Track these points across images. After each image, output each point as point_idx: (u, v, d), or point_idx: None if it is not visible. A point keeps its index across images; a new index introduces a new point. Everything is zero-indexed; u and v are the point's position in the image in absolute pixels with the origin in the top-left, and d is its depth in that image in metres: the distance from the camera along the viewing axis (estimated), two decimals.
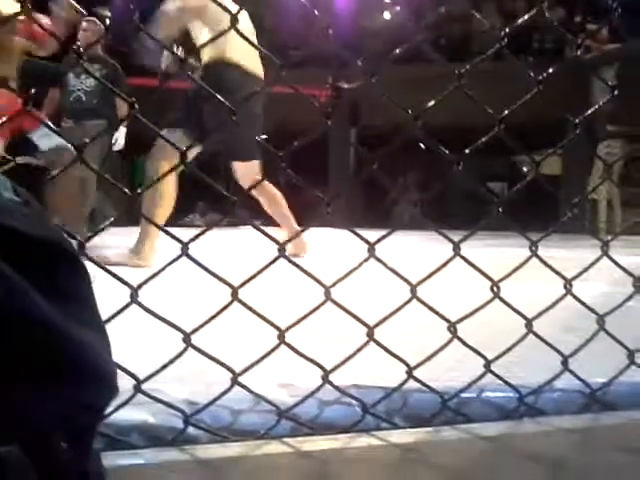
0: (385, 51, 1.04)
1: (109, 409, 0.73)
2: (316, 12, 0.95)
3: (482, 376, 0.96)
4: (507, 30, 1.02)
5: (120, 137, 5.17)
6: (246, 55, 3.07)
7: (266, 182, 3.07)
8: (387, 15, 10.67)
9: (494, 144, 1.06)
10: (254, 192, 2.84)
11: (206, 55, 3.09)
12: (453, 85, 0.97)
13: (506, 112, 1.00)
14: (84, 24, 4.85)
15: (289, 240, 0.98)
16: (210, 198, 7.58)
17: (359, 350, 0.92)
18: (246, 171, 3.31)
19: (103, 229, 0.90)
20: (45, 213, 0.53)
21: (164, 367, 0.83)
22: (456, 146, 1.04)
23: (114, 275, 0.82)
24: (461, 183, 1.14)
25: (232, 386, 0.86)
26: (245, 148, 3.23)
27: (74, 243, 0.61)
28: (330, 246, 3.70)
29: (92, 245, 0.85)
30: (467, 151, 1.01)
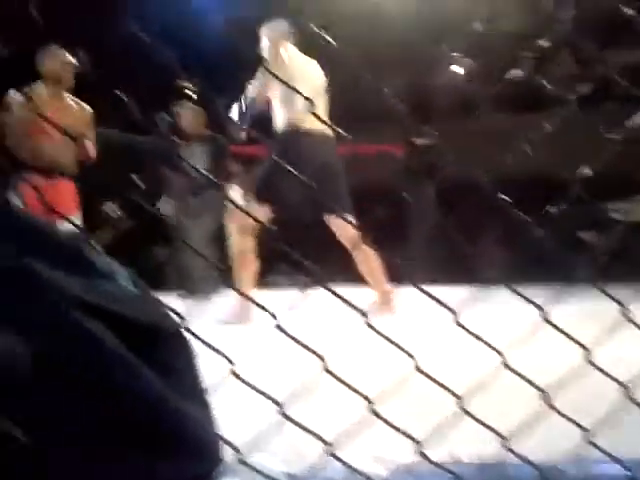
0: (456, 106, 1.07)
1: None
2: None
3: (582, 448, 0.93)
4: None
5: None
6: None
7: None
8: (457, 68, 10.78)
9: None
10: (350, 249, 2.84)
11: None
12: (535, 135, 0.99)
13: (585, 171, 0.99)
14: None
15: (383, 306, 1.00)
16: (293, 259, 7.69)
17: (452, 423, 0.92)
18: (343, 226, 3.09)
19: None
20: (157, 300, 0.59)
21: (262, 439, 0.86)
22: (542, 196, 1.04)
23: (213, 348, 0.87)
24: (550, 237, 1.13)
25: (327, 459, 0.87)
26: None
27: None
28: (415, 305, 3.66)
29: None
30: (548, 210, 1.02)
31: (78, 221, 3.40)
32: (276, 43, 3.20)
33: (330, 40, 1.01)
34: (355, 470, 0.89)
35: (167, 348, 0.55)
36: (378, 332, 0.94)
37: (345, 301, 0.97)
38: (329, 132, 3.13)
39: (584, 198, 1.07)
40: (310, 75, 3.06)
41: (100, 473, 0.44)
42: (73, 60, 3.34)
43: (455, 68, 10.54)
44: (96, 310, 0.48)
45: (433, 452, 0.91)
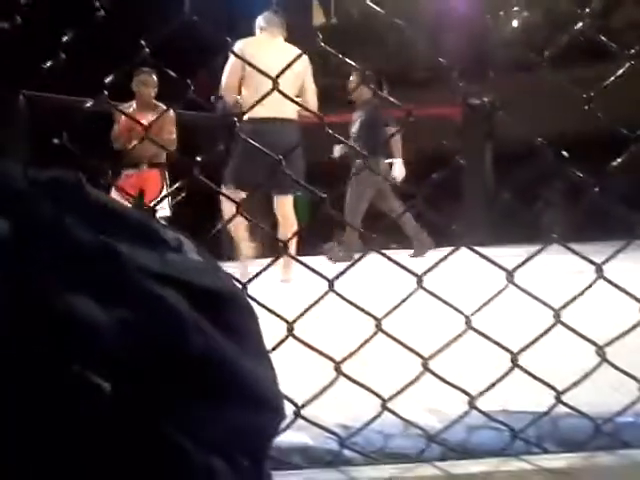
0: (514, 60, 1.06)
1: None
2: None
3: (638, 400, 0.93)
4: None
5: (397, 169, 5.45)
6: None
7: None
8: (515, 23, 10.36)
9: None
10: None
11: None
12: (585, 105, 0.97)
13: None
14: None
15: (429, 270, 1.01)
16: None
17: (504, 376, 0.93)
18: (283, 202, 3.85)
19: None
20: (220, 268, 0.63)
21: (320, 393, 0.91)
22: (602, 153, 1.02)
23: (271, 311, 0.91)
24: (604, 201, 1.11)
25: (382, 411, 0.91)
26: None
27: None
28: (468, 267, 3.65)
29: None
30: (607, 168, 1.00)
31: (165, 202, 4.45)
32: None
33: (376, 7, 1.01)
34: (408, 422, 0.92)
35: (233, 310, 0.59)
36: (431, 293, 0.96)
37: (397, 263, 0.99)
38: (289, 117, 3.61)
39: None
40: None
41: (174, 430, 0.48)
42: (155, 79, 4.50)
43: (513, 22, 10.14)
44: (169, 280, 0.52)
45: (485, 405, 0.93)
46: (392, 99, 1.16)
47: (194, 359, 0.49)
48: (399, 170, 5.41)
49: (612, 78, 1.04)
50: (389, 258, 0.99)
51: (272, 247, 4.24)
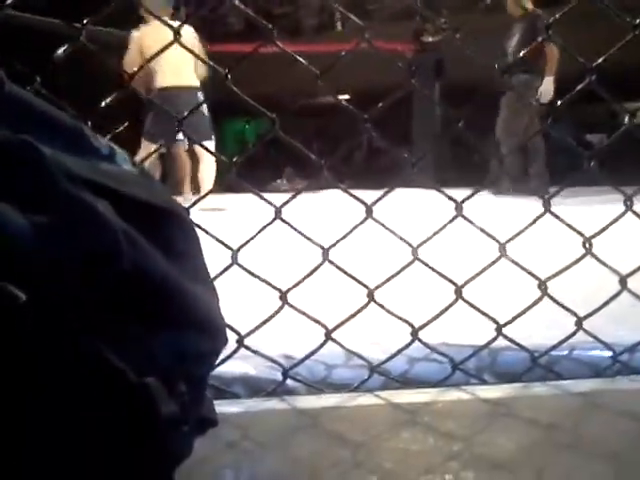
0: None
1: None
2: None
3: (574, 334, 0.96)
4: None
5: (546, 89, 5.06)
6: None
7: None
8: None
9: (593, 93, 1.02)
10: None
11: None
12: (543, 37, 0.95)
13: (599, 61, 0.96)
14: None
15: (378, 200, 0.99)
16: (297, 164, 7.69)
17: (448, 308, 0.94)
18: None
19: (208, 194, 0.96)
20: (159, 182, 0.58)
21: (263, 323, 0.89)
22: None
23: (215, 238, 0.88)
24: (555, 137, 1.11)
25: (326, 341, 0.90)
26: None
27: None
28: (418, 206, 3.68)
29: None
30: (561, 101, 0.99)
31: None
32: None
33: None
34: (352, 352, 0.92)
35: (170, 227, 0.55)
36: (379, 222, 0.94)
37: (352, 195, 0.97)
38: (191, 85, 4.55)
39: (594, 98, 1.03)
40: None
41: (106, 349, 0.45)
42: None
43: None
44: (98, 188, 0.47)
45: (428, 337, 0.94)
46: None
47: (124, 272, 0.45)
48: (547, 89, 4.96)
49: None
50: (346, 190, 0.96)
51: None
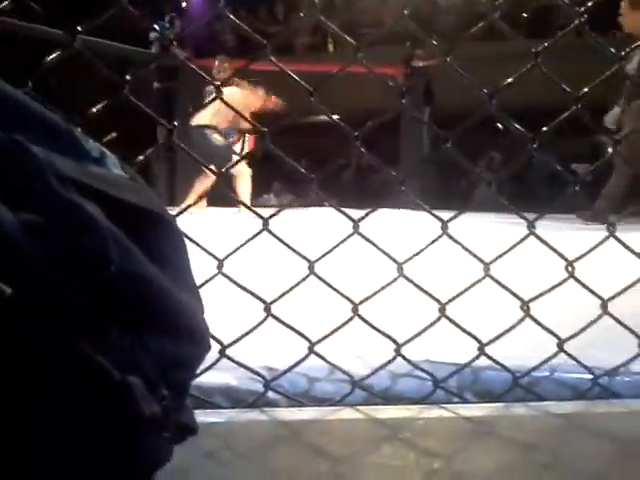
0: (460, 27, 1.04)
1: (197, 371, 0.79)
2: None
3: (555, 355, 0.97)
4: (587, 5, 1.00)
5: None
6: None
7: None
8: None
9: (578, 124, 1.04)
10: None
11: None
12: (530, 64, 0.97)
13: (584, 90, 0.98)
14: None
15: (362, 218, 1.00)
16: (285, 179, 7.72)
17: (431, 325, 0.94)
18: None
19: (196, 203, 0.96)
20: (148, 187, 0.58)
21: (247, 334, 0.89)
22: (537, 127, 1.03)
23: (201, 247, 0.88)
24: (541, 165, 1.13)
25: (309, 354, 0.90)
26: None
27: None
28: (405, 226, 3.71)
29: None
30: (544, 129, 1.01)
31: None
32: None
33: None
34: (334, 366, 0.92)
35: (159, 233, 0.55)
36: (365, 238, 0.95)
37: (339, 210, 0.97)
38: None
39: (579, 129, 1.05)
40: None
41: (90, 348, 0.44)
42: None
43: None
44: (87, 190, 0.47)
45: (411, 354, 0.94)
46: None
47: (111, 275, 0.45)
48: None
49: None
50: (333, 206, 0.97)
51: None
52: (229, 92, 5.95)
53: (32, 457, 0.42)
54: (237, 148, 6.43)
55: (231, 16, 0.99)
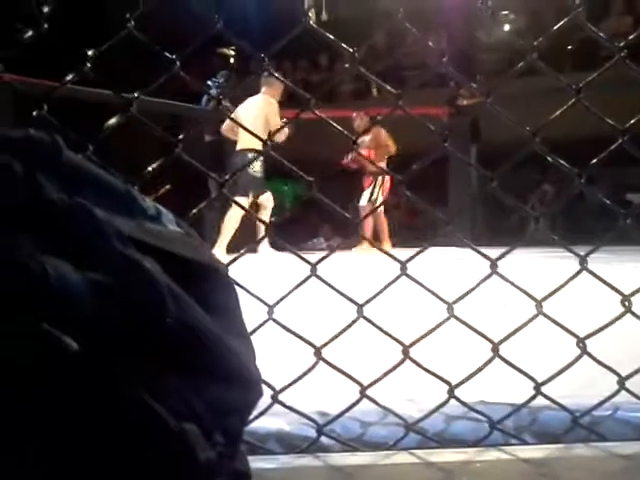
0: (503, 64, 1.05)
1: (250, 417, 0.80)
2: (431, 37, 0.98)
3: (616, 393, 0.93)
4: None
5: None
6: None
7: None
8: (506, 27, 10.43)
9: (630, 154, 1.02)
10: None
11: None
12: (572, 100, 0.97)
13: (630, 122, 0.97)
14: None
15: (410, 259, 1.01)
16: (334, 223, 7.80)
17: (485, 365, 0.93)
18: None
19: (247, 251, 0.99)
20: (202, 242, 0.61)
21: (298, 379, 0.89)
22: (588, 159, 1.02)
23: (252, 294, 0.90)
24: (592, 197, 1.11)
25: (361, 399, 0.90)
26: None
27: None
28: (454, 265, 3.67)
29: None
30: (591, 164, 1.00)
31: None
32: None
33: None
34: (387, 410, 0.91)
35: (211, 284, 0.57)
36: (416, 281, 0.95)
37: (384, 252, 0.98)
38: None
39: (634, 159, 1.04)
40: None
41: (148, 397, 0.46)
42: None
43: (504, 27, 10.17)
44: (145, 247, 0.50)
45: (465, 395, 0.92)
46: None
47: (169, 327, 0.47)
48: None
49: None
50: (379, 248, 0.98)
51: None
52: (377, 131, 6.34)
53: None
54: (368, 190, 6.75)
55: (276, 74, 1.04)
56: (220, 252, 5.05)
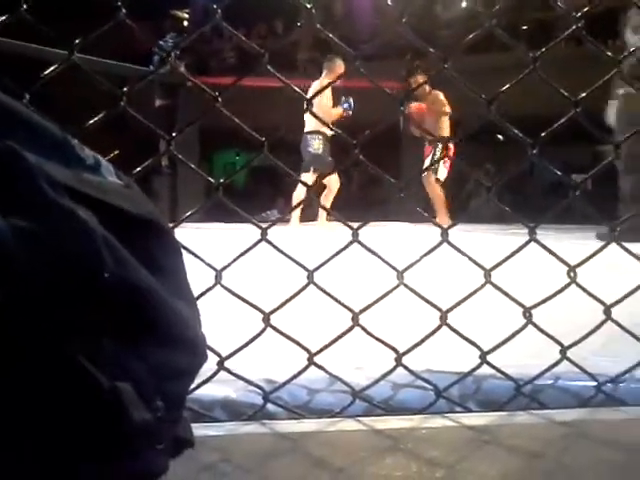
0: (460, 41, 1.04)
1: (194, 384, 0.78)
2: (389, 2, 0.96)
3: (558, 363, 0.95)
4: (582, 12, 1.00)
5: None
6: None
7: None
8: (464, 4, 10.46)
9: (578, 134, 1.03)
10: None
11: None
12: (528, 69, 0.96)
13: (583, 94, 0.98)
14: None
15: (361, 226, 1.00)
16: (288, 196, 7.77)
17: (432, 334, 0.93)
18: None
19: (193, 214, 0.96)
20: (143, 195, 0.58)
21: (245, 345, 0.88)
22: (536, 135, 1.02)
23: (199, 257, 0.87)
24: (540, 176, 1.13)
25: (308, 366, 0.89)
26: None
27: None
28: (404, 238, 3.71)
29: None
30: (544, 134, 1.00)
31: None
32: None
33: None
34: (335, 377, 0.91)
35: (155, 242, 0.54)
36: (366, 247, 0.94)
37: (339, 219, 0.97)
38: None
39: (580, 139, 1.05)
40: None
41: (79, 355, 0.43)
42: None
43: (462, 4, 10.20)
44: (82, 198, 0.47)
45: (412, 363, 0.93)
46: None
47: (106, 283, 0.44)
48: None
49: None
50: (333, 214, 0.96)
51: None
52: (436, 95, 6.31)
53: (16, 461, 0.41)
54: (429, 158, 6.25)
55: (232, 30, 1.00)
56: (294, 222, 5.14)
